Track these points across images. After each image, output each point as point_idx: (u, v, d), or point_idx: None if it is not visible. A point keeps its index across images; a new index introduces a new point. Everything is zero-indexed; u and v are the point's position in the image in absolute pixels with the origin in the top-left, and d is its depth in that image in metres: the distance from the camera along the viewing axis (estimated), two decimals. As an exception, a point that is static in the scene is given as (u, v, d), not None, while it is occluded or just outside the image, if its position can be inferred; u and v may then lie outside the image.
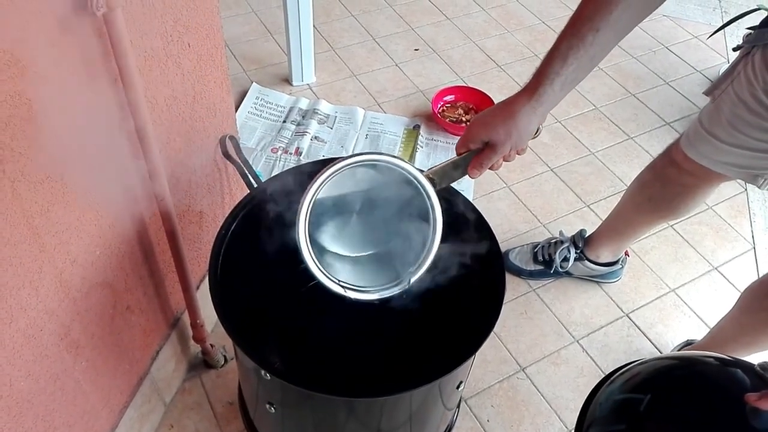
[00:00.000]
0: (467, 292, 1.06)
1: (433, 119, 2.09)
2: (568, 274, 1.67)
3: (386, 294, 0.88)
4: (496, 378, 1.49)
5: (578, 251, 1.63)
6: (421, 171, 0.83)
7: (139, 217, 1.07)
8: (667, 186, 1.37)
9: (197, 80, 1.11)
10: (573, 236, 1.66)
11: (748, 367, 0.77)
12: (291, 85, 2.21)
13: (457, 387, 1.03)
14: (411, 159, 1.97)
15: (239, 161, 1.24)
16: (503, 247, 1.68)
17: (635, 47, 2.50)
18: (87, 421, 1.08)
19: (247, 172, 1.20)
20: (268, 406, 0.98)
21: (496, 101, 2.09)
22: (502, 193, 1.91)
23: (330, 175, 0.79)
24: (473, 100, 2.14)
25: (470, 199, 1.51)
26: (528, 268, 1.68)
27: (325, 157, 1.93)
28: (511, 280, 1.68)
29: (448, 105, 2.14)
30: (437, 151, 2.00)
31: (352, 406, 0.94)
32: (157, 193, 1.03)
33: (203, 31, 1.07)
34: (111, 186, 0.95)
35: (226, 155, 1.26)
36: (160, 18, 0.94)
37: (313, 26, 2.09)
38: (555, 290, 1.68)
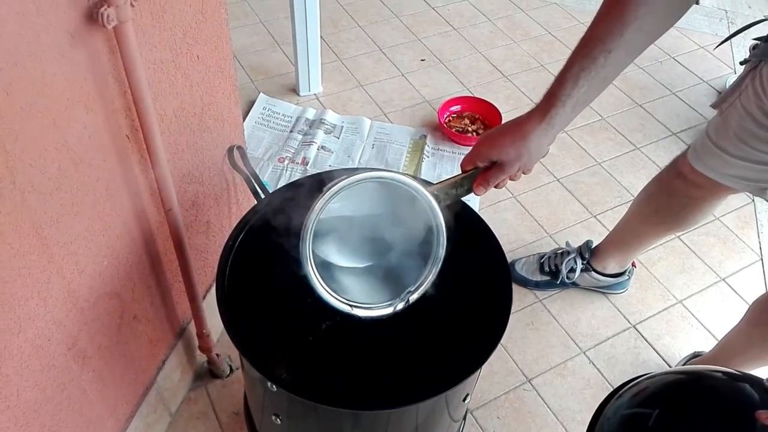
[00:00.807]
0: (474, 303, 1.06)
1: (439, 129, 2.09)
2: (574, 285, 1.67)
3: (390, 309, 0.88)
4: (502, 389, 1.48)
5: (585, 262, 1.63)
6: (427, 184, 0.83)
7: (147, 228, 1.07)
8: (673, 198, 1.36)
9: (206, 91, 1.11)
10: (579, 247, 1.66)
11: (757, 382, 0.76)
12: (298, 95, 2.22)
13: (464, 399, 1.03)
14: (417, 169, 1.97)
15: (246, 171, 1.24)
16: (509, 258, 1.68)
17: (642, 57, 2.47)
18: (93, 430, 1.08)
19: (254, 182, 1.21)
20: (274, 417, 0.98)
21: (502, 111, 2.10)
22: (509, 204, 1.91)
23: (332, 196, 0.78)
24: (479, 110, 2.14)
25: (476, 209, 1.51)
26: (534, 279, 1.68)
27: (331, 167, 1.94)
28: (517, 291, 1.67)
29: (455, 115, 2.15)
30: (443, 161, 2.01)
31: (359, 418, 0.94)
32: (165, 203, 1.04)
33: (212, 43, 1.08)
34: (119, 196, 0.96)
35: (234, 165, 1.27)
36: (169, 31, 0.95)
37: (320, 37, 2.10)
38: (561, 301, 1.68)
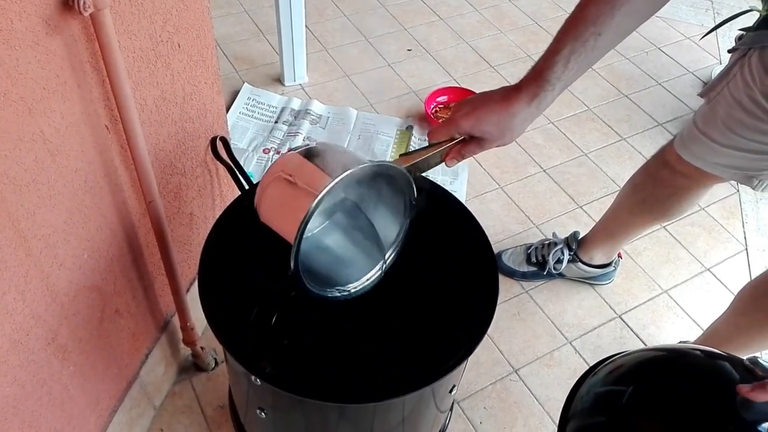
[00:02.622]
0: (460, 294, 1.05)
1: (426, 120, 2.08)
2: (561, 275, 1.67)
3: (372, 280, 0.87)
4: (489, 380, 1.48)
5: (572, 253, 1.63)
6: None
7: (128, 220, 1.05)
8: (660, 188, 1.36)
9: (187, 81, 1.09)
10: (566, 238, 1.66)
11: (736, 361, 0.75)
12: (283, 85, 2.20)
13: (450, 390, 1.03)
14: (404, 160, 1.96)
15: (230, 162, 1.23)
16: (496, 249, 1.68)
17: (628, 48, 2.50)
18: (75, 426, 1.07)
19: (238, 173, 1.19)
20: (258, 411, 0.97)
21: (488, 102, 2.09)
22: (495, 194, 1.90)
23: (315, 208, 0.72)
24: (466, 100, 2.13)
25: (462, 200, 1.51)
26: (521, 270, 1.68)
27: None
28: (503, 281, 1.67)
29: (441, 106, 2.14)
30: (430, 151, 2.00)
31: (344, 410, 0.93)
32: (147, 194, 1.02)
33: (193, 32, 1.06)
34: (99, 188, 0.94)
35: (217, 156, 1.25)
36: (149, 18, 0.93)
37: (306, 26, 2.08)
38: (548, 291, 1.68)
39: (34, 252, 0.83)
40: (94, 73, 0.84)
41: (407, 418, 1.01)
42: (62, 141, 0.82)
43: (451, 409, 1.31)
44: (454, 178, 1.92)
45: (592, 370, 0.84)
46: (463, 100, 0.83)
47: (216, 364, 1.43)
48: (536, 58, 0.81)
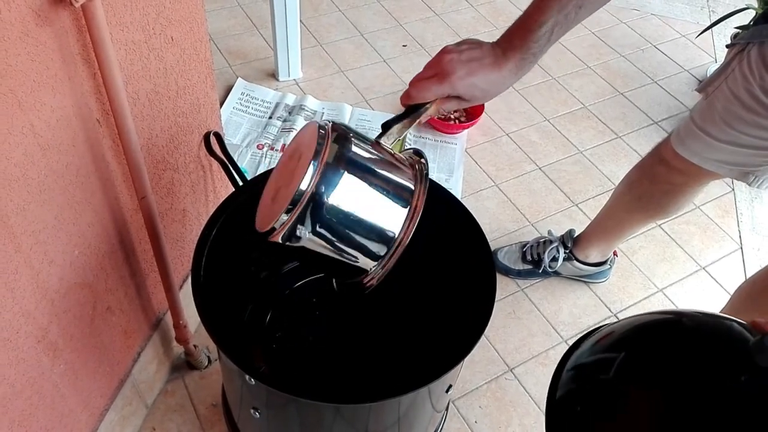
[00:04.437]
0: (456, 294, 1.04)
1: (421, 116, 2.06)
2: (556, 273, 1.67)
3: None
4: (484, 379, 1.47)
5: (567, 251, 1.63)
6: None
7: (120, 216, 1.04)
8: (655, 184, 1.36)
9: (180, 75, 1.08)
10: (562, 236, 1.65)
11: (741, 321, 0.65)
12: (277, 80, 2.18)
13: (447, 390, 1.02)
14: (399, 156, 1.95)
15: (224, 158, 1.21)
16: (492, 246, 1.67)
17: (623, 45, 2.49)
18: (66, 424, 1.05)
19: (231, 169, 1.18)
20: (252, 411, 0.95)
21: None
22: (490, 192, 1.89)
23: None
24: (462, 97, 2.12)
25: (458, 197, 1.50)
26: (516, 268, 1.67)
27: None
28: (499, 280, 1.66)
29: (437, 102, 2.12)
30: (426, 148, 1.99)
31: (340, 410, 0.92)
32: (139, 190, 1.00)
33: (187, 25, 1.04)
34: (90, 183, 0.92)
35: (211, 152, 1.23)
36: (141, 10, 0.91)
37: (300, 21, 2.06)
38: (543, 290, 1.67)
39: (23, 248, 0.81)
40: (86, 65, 0.82)
41: (403, 417, 1.00)
42: (53, 135, 0.80)
43: (447, 409, 1.30)
44: (450, 176, 1.91)
45: (580, 341, 0.73)
46: (448, 56, 0.77)
47: (209, 362, 1.41)
48: (521, 24, 0.79)
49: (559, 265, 1.63)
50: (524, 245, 1.69)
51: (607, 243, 1.60)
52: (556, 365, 0.68)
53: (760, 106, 1.05)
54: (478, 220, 1.03)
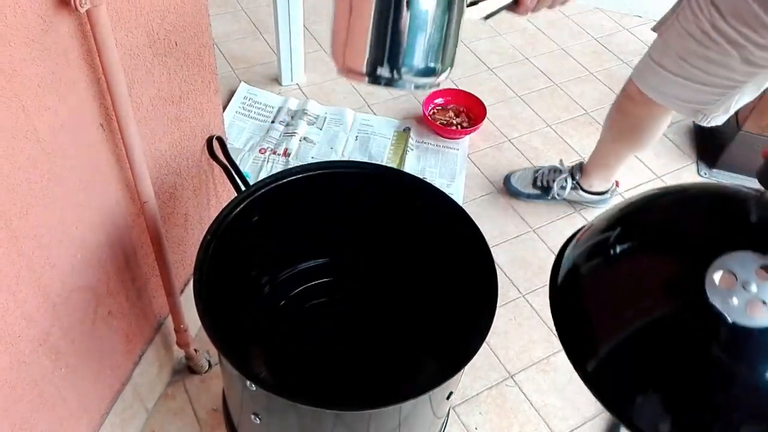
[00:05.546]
0: (458, 300, 1.04)
1: (423, 122, 2.07)
2: (564, 200, 1.84)
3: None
4: (485, 385, 1.47)
5: (574, 181, 1.80)
6: None
7: (123, 220, 1.04)
8: (627, 118, 1.53)
9: (184, 79, 1.08)
10: (571, 167, 1.82)
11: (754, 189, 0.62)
12: (280, 84, 2.18)
13: (447, 397, 1.02)
14: (401, 162, 1.95)
15: (226, 162, 1.21)
16: (492, 242, 1.67)
17: (626, 52, 2.50)
18: (67, 428, 1.05)
19: (234, 174, 1.18)
20: (253, 416, 0.95)
21: (487, 104, 2.08)
22: (492, 198, 1.89)
23: None
24: (464, 102, 2.12)
25: (459, 203, 1.50)
26: (526, 191, 1.83)
27: (314, 159, 1.91)
28: (500, 286, 1.65)
29: (439, 107, 2.13)
30: (428, 154, 1.99)
31: (340, 416, 0.92)
32: (141, 195, 1.01)
33: (191, 30, 1.05)
34: (93, 187, 0.92)
35: (213, 156, 1.23)
36: (146, 15, 0.91)
37: (304, 26, 2.06)
38: (544, 296, 1.66)
39: (26, 252, 0.82)
40: (90, 70, 0.83)
41: (403, 423, 0.99)
42: (56, 139, 0.80)
43: (448, 415, 1.30)
44: (451, 181, 1.91)
45: (573, 235, 0.71)
46: None
47: (210, 366, 1.41)
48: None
49: (566, 193, 1.80)
50: (537, 170, 1.84)
51: (605, 173, 1.76)
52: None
53: (709, 40, 1.15)
54: (479, 226, 1.03)
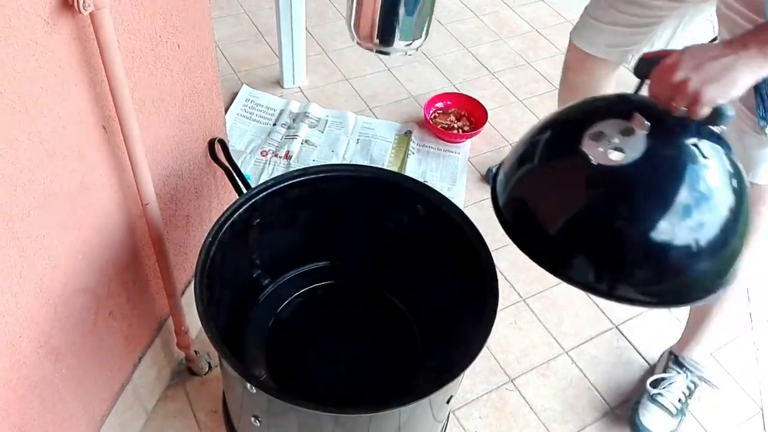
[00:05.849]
0: (459, 304, 1.05)
1: (425, 125, 2.07)
2: None
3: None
4: (485, 389, 1.47)
5: None
6: None
7: (124, 222, 1.04)
8: (573, 90, 1.58)
9: (186, 82, 1.08)
10: None
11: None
12: (282, 87, 2.19)
13: (447, 401, 1.02)
14: (402, 165, 1.95)
15: (228, 165, 1.22)
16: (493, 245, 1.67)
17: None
18: (67, 429, 1.05)
19: (235, 176, 1.18)
20: (253, 419, 0.95)
21: (488, 108, 2.09)
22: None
23: None
24: (466, 106, 2.13)
25: (461, 206, 1.50)
26: None
27: (315, 162, 1.91)
28: (501, 290, 1.66)
29: (440, 111, 2.13)
30: (429, 157, 1.99)
31: (340, 419, 0.92)
32: (143, 197, 1.01)
33: (194, 33, 1.05)
34: (95, 189, 0.93)
35: (215, 158, 1.24)
36: (149, 18, 0.92)
37: (306, 29, 2.07)
38: (545, 300, 1.67)
39: (27, 253, 0.82)
40: (93, 72, 0.83)
41: (403, 426, 0.99)
42: (59, 141, 0.81)
43: (447, 419, 1.30)
44: (453, 185, 1.91)
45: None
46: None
47: (210, 368, 1.41)
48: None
49: None
50: None
51: None
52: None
53: None
54: (481, 230, 1.03)
